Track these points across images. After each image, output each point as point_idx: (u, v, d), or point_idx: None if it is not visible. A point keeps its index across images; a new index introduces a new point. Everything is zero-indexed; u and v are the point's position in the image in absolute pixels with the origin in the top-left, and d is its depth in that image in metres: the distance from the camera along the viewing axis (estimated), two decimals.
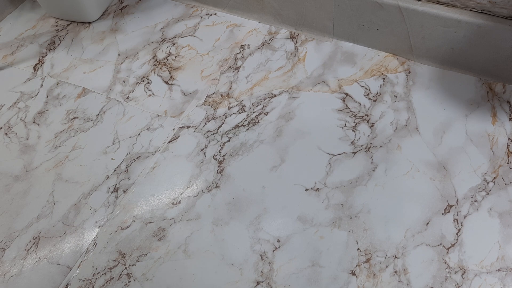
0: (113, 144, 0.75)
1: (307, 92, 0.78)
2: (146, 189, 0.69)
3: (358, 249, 0.60)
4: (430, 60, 0.79)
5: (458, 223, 0.61)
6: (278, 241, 0.62)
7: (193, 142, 0.73)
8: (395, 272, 0.58)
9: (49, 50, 0.91)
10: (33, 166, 0.73)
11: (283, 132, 0.73)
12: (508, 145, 0.68)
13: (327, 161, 0.69)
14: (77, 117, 0.79)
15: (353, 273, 0.59)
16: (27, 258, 0.63)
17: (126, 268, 0.61)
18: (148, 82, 0.83)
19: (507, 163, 0.67)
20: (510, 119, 0.71)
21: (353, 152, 0.70)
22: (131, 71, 0.85)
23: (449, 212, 0.63)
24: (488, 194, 0.64)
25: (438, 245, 0.60)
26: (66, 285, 0.60)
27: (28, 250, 0.64)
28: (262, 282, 0.59)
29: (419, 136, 0.71)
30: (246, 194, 0.67)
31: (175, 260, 0.61)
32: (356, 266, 0.59)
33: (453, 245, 0.60)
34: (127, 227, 0.65)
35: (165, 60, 0.86)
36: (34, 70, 0.88)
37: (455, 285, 0.57)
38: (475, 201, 0.63)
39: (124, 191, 0.69)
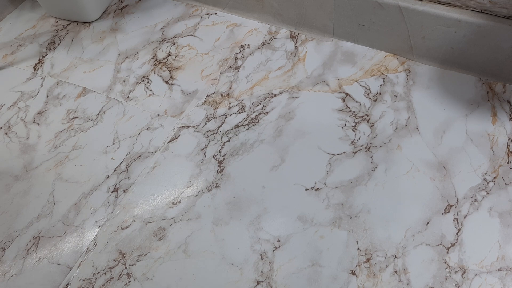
0: (113, 143, 0.75)
1: (307, 92, 0.78)
2: (146, 188, 0.69)
3: (358, 248, 0.60)
4: (430, 60, 0.79)
5: (458, 223, 0.61)
6: (278, 240, 0.62)
7: (193, 142, 0.73)
8: (395, 272, 0.58)
9: (49, 49, 0.91)
10: (33, 165, 0.73)
11: (283, 132, 0.73)
12: (508, 145, 0.68)
13: (327, 160, 0.69)
14: (77, 117, 0.79)
15: (353, 273, 0.59)
16: (27, 258, 0.63)
17: (126, 267, 0.61)
18: (148, 82, 0.83)
19: (507, 162, 0.67)
20: (510, 119, 0.71)
21: (353, 152, 0.70)
22: (131, 70, 0.85)
23: (449, 212, 0.63)
24: (488, 194, 0.64)
25: (438, 245, 0.60)
26: (66, 285, 0.60)
27: (28, 250, 0.64)
28: (262, 281, 0.59)
29: (419, 136, 0.71)
30: (246, 194, 0.67)
31: (175, 260, 0.61)
32: (356, 265, 0.59)
33: (453, 245, 0.60)
34: (127, 226, 0.65)
35: (165, 60, 0.86)
36: (34, 69, 0.88)
37: (455, 284, 0.57)
38: (475, 201, 0.63)
39: (124, 191, 0.69)
